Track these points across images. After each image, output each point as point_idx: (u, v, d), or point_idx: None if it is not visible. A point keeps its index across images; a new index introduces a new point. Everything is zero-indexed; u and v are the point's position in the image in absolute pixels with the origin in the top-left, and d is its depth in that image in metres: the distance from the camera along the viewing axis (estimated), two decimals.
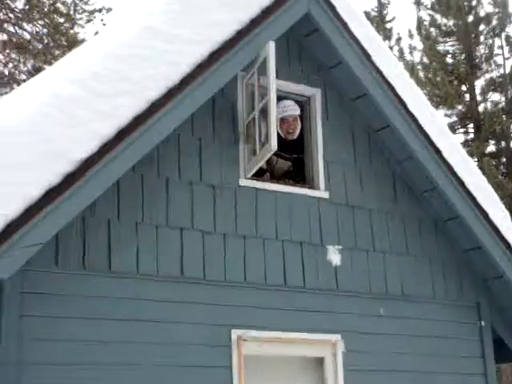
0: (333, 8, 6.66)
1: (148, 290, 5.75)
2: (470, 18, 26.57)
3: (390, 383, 6.74)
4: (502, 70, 26.50)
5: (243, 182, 6.38)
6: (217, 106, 6.36)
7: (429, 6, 27.39)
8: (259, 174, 6.64)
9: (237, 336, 6.05)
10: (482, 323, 7.41)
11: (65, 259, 5.43)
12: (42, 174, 4.94)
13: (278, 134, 6.25)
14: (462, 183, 7.07)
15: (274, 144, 5.99)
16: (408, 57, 27.90)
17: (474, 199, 7.12)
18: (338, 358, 6.53)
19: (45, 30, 22.34)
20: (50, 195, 4.91)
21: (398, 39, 29.83)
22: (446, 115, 26.41)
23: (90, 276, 5.53)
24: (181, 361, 5.78)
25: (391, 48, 28.49)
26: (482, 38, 26.71)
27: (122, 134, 5.28)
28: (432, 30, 27.26)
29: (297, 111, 6.87)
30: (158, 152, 5.90)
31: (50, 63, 19.23)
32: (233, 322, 6.07)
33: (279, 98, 6.54)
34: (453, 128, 25.75)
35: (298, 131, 6.94)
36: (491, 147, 26.43)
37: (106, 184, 5.32)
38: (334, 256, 6.70)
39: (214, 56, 5.87)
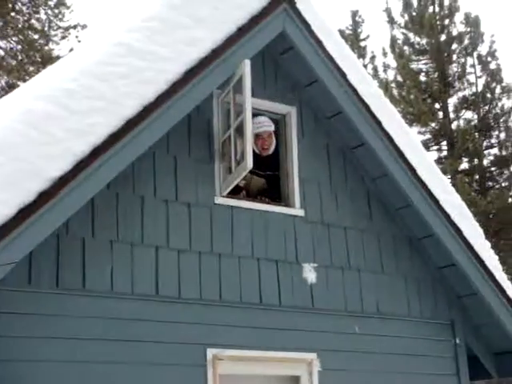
0: (308, 26, 6.69)
1: (122, 309, 5.69)
2: (443, 37, 26.90)
3: None
4: (474, 89, 26.83)
5: (219, 200, 6.36)
6: (192, 123, 6.34)
7: (402, 25, 27.69)
8: (235, 192, 6.62)
9: (212, 355, 6.01)
10: (457, 340, 7.44)
11: (38, 278, 5.36)
12: (16, 192, 4.89)
13: (253, 151, 6.24)
14: (436, 201, 7.11)
15: (249, 162, 5.98)
16: (382, 75, 28.19)
17: (448, 217, 7.16)
18: (313, 376, 6.51)
19: (19, 47, 22.27)
20: (24, 214, 4.85)
21: (372, 57, 30.13)
22: (419, 133, 26.67)
23: (64, 295, 5.47)
24: (156, 380, 5.72)
25: (365, 66, 28.73)
26: (454, 57, 27.03)
27: (96, 152, 5.24)
28: (405, 48, 27.56)
29: (271, 127, 6.89)
30: (133, 170, 5.87)
31: (24, 80, 19.16)
32: (208, 340, 6.03)
33: (254, 115, 6.55)
34: (426, 145, 25.98)
35: (272, 147, 6.96)
36: (464, 164, 26.69)
37: (81, 202, 5.27)
38: (310, 274, 6.69)
39: (190, 74, 5.86)
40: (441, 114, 27.08)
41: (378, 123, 6.95)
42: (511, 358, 7.54)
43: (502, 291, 7.36)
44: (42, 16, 23.21)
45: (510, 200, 25.71)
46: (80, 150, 5.20)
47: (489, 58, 26.63)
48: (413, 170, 7.04)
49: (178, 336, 5.90)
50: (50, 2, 23.24)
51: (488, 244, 7.65)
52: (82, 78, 5.70)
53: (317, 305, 6.67)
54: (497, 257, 7.65)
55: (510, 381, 14.82)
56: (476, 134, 26.04)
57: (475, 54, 26.80)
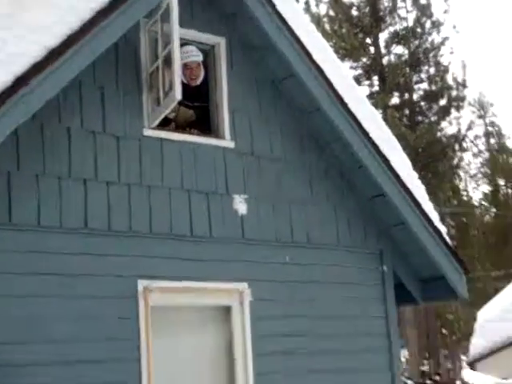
0: None
1: (51, 243, 5.63)
2: None
3: (297, 329, 6.87)
4: (405, 23, 26.94)
5: (147, 132, 6.28)
6: (120, 53, 6.19)
7: None
8: (164, 124, 6.54)
9: (143, 287, 6.02)
10: (385, 269, 7.61)
11: None
12: None
13: (181, 82, 6.15)
14: (365, 132, 7.15)
15: (178, 93, 5.90)
16: (314, 9, 27.99)
17: (377, 148, 7.22)
18: (245, 306, 6.59)
19: None
20: None
21: None
22: (351, 68, 26.75)
23: None
24: (87, 313, 5.71)
25: (297, 0, 28.48)
26: None
27: (19, 82, 5.09)
28: None
29: (199, 57, 6.79)
30: (58, 100, 5.72)
31: None
32: (139, 272, 6.03)
33: (182, 45, 6.43)
34: (358, 80, 26.10)
35: (201, 78, 6.87)
36: (395, 99, 26.99)
37: (4, 134, 5.13)
38: (240, 205, 6.71)
39: (115, 2, 5.70)
40: (372, 48, 27.19)
41: (308, 54, 6.91)
42: (436, 284, 7.75)
43: (429, 221, 7.52)
44: None
45: (438, 134, 26.22)
46: (1, 81, 5.03)
47: None
48: (343, 102, 7.06)
49: (108, 268, 5.88)
50: None
51: (415, 174, 7.79)
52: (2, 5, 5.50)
53: (247, 236, 6.71)
54: (424, 187, 7.80)
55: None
56: (407, 68, 26.27)
57: None
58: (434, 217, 7.61)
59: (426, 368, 32.22)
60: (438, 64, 26.53)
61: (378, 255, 7.63)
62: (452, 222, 38.39)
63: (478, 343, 20.83)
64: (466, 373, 12.14)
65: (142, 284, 6.01)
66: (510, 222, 40.67)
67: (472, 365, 19.92)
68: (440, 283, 7.72)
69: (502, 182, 45.92)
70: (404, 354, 39.83)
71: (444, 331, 38.94)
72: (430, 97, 26.43)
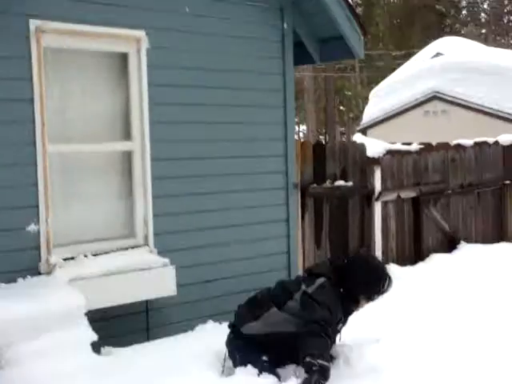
0: None
1: None
2: None
3: (194, 81, 6.88)
4: None
5: None
6: None
7: None
8: None
9: (36, 27, 5.79)
10: (285, 26, 7.56)
11: None
12: None
13: None
14: None
15: None
16: None
17: None
18: (141, 54, 6.49)
19: None
20: None
21: None
22: None
23: None
24: None
25: None
26: None
27: None
28: None
29: None
30: None
31: None
32: (30, 11, 5.77)
33: None
34: None
35: None
36: None
37: None
38: None
39: None
40: None
41: None
42: (333, 44, 7.82)
43: None
44: None
45: None
46: None
47: None
48: None
49: None
50: None
51: None
52: None
53: None
54: None
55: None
56: None
57: None
58: None
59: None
60: None
61: (279, 11, 7.53)
62: None
63: (370, 111, 21.69)
64: (356, 137, 12.63)
65: (34, 24, 5.78)
66: (415, 3, 40.81)
67: (364, 131, 20.85)
68: (338, 43, 7.79)
69: None
70: (302, 129, 41.05)
71: (342, 108, 40.04)
72: None
